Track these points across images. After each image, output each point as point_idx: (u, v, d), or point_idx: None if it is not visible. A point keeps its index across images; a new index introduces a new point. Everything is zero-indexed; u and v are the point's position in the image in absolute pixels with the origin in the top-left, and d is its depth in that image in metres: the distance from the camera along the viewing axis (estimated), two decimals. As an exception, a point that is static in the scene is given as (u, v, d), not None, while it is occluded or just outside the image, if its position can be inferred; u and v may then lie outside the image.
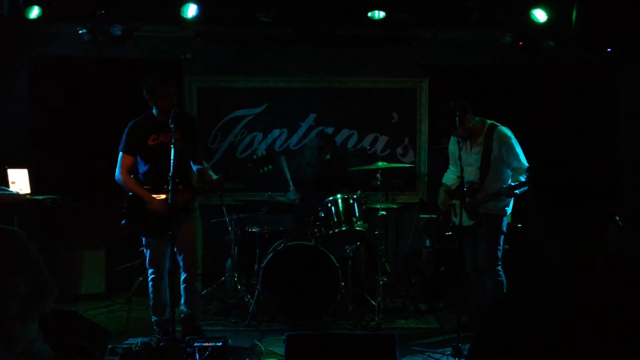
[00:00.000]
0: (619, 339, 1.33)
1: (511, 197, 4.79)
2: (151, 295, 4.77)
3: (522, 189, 4.61)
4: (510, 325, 1.38)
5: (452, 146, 5.08)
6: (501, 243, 4.88)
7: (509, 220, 5.32)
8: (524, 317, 1.39)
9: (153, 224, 4.53)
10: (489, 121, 4.91)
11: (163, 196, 4.49)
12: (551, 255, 6.30)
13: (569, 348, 1.31)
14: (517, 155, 4.75)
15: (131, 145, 4.65)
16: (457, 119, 4.68)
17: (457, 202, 4.94)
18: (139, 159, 4.66)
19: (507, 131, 4.84)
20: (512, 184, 4.62)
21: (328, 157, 6.18)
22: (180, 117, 4.50)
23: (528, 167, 4.70)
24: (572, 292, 1.41)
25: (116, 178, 4.65)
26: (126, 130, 4.68)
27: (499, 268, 4.84)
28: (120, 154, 4.66)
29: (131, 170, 4.68)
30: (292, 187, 6.24)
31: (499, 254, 4.85)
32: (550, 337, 1.33)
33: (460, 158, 4.65)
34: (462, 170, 4.64)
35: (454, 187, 5.07)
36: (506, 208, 4.87)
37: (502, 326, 1.40)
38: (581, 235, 6.53)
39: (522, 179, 4.62)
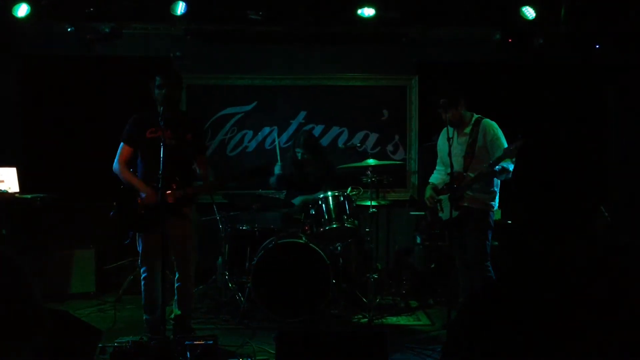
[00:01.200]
0: (608, 331, 1.34)
1: (494, 177, 4.78)
2: (143, 293, 4.75)
3: (503, 164, 4.67)
4: (488, 316, 1.39)
5: (442, 142, 5.09)
6: (489, 238, 4.90)
7: (498, 217, 5.35)
8: (504, 308, 1.40)
9: (141, 218, 4.52)
10: (476, 115, 4.99)
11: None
12: (535, 248, 6.34)
13: (553, 340, 1.32)
14: (501, 146, 4.78)
15: (131, 135, 4.67)
16: (447, 115, 4.73)
17: (443, 197, 4.96)
18: (137, 151, 4.68)
19: (493, 123, 4.92)
20: (491, 161, 4.66)
21: (303, 153, 6.14)
22: (175, 117, 4.51)
23: (506, 148, 4.70)
24: (557, 283, 1.41)
25: (113, 168, 4.67)
26: (129, 120, 4.70)
27: (488, 264, 4.85)
28: (121, 144, 4.69)
29: (130, 162, 4.68)
30: (279, 163, 6.25)
31: (488, 249, 4.87)
32: (532, 330, 1.33)
33: (450, 154, 4.67)
34: (452, 167, 4.67)
35: (440, 187, 5.09)
36: (491, 202, 4.88)
37: (479, 317, 1.40)
38: (567, 228, 6.58)
39: (504, 164, 4.68)
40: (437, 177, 5.20)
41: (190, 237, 4.75)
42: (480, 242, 4.85)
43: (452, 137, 4.87)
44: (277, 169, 6.22)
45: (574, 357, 1.31)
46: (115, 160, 4.66)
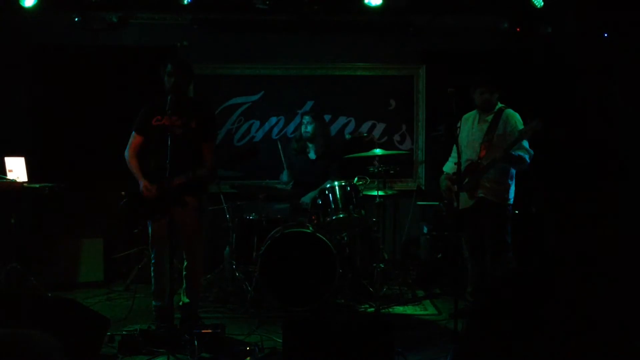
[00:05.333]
0: (618, 324, 1.33)
1: (509, 163, 4.77)
2: (153, 278, 4.79)
3: (520, 153, 4.73)
4: (505, 308, 1.38)
5: (465, 129, 5.07)
6: (509, 230, 4.87)
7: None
8: (521, 300, 1.39)
9: (147, 207, 4.56)
10: (500, 104, 5.03)
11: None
12: (550, 238, 6.32)
13: (567, 332, 1.32)
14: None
15: (139, 124, 4.72)
16: (454, 104, 4.69)
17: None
18: (146, 139, 4.71)
19: (516, 114, 4.96)
20: (507, 149, 4.66)
21: (309, 129, 6.14)
22: (182, 104, 4.52)
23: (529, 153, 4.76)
24: (570, 275, 1.41)
25: (125, 155, 4.73)
26: (141, 109, 4.74)
27: (511, 255, 4.83)
28: (132, 132, 4.74)
29: (140, 150, 4.71)
30: (285, 169, 6.24)
31: (509, 241, 4.84)
32: (548, 321, 1.33)
33: (457, 144, 4.66)
34: (459, 155, 4.67)
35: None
36: (505, 195, 4.85)
37: (496, 309, 1.40)
38: (579, 219, 6.55)
39: (520, 153, 4.71)
40: (451, 165, 5.17)
41: (198, 227, 4.76)
42: (500, 235, 4.82)
43: (474, 123, 4.92)
44: (284, 177, 6.22)
45: (596, 348, 1.30)
46: (126, 147, 4.73)
